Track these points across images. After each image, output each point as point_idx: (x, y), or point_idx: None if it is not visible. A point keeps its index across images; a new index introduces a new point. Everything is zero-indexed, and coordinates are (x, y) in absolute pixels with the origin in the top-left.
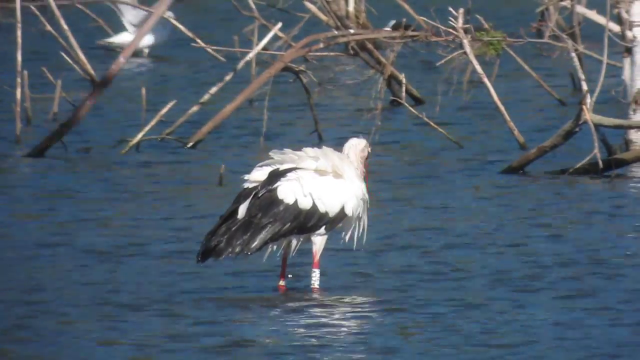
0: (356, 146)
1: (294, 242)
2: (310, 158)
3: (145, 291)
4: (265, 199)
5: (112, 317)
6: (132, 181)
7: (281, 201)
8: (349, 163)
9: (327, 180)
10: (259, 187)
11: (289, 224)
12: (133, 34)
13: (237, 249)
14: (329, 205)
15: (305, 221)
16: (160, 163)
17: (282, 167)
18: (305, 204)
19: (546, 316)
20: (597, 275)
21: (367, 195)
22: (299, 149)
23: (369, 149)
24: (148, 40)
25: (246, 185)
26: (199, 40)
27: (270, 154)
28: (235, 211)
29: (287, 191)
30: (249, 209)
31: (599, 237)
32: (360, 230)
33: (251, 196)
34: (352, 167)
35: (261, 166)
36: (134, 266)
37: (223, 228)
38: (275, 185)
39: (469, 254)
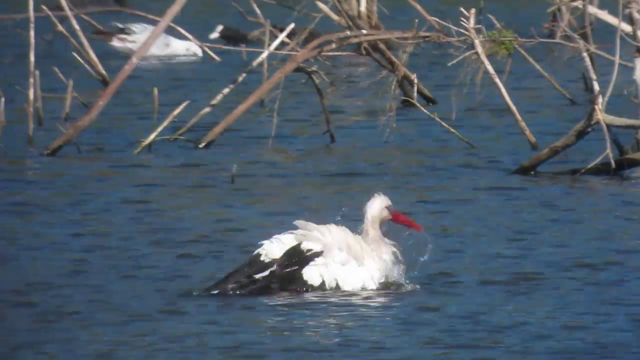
0: (372, 210)
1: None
2: (335, 247)
3: (148, 290)
4: (288, 276)
5: (116, 316)
6: (144, 181)
7: (305, 282)
8: (366, 246)
9: (351, 267)
10: (277, 265)
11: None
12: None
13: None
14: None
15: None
16: (173, 163)
17: (304, 246)
18: (331, 285)
19: (556, 316)
20: (609, 275)
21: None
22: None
23: (388, 205)
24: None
25: (262, 256)
26: (199, 42)
27: (295, 223)
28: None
29: (314, 275)
30: (265, 278)
31: (611, 237)
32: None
33: (267, 271)
34: (369, 250)
35: (279, 238)
36: (142, 265)
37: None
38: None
39: (480, 253)
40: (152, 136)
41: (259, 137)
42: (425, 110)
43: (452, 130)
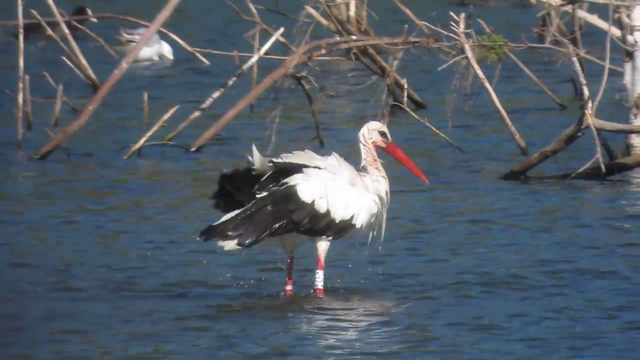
0: (362, 136)
1: (296, 240)
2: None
3: (146, 296)
4: (283, 193)
5: (113, 323)
6: (134, 186)
7: (299, 199)
8: (358, 175)
9: (342, 185)
10: (270, 176)
11: (300, 222)
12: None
13: (242, 238)
14: (340, 213)
15: (317, 223)
16: (162, 168)
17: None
18: (321, 206)
19: (549, 323)
20: (600, 279)
21: (381, 190)
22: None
23: (380, 129)
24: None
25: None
26: (187, 46)
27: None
28: (241, 195)
29: (308, 190)
30: (262, 199)
31: (601, 242)
32: (377, 229)
33: (265, 187)
34: (361, 178)
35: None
36: (136, 269)
37: (233, 215)
38: (295, 183)
39: (470, 258)
40: (141, 141)
41: (249, 142)
42: (415, 115)
43: (442, 134)
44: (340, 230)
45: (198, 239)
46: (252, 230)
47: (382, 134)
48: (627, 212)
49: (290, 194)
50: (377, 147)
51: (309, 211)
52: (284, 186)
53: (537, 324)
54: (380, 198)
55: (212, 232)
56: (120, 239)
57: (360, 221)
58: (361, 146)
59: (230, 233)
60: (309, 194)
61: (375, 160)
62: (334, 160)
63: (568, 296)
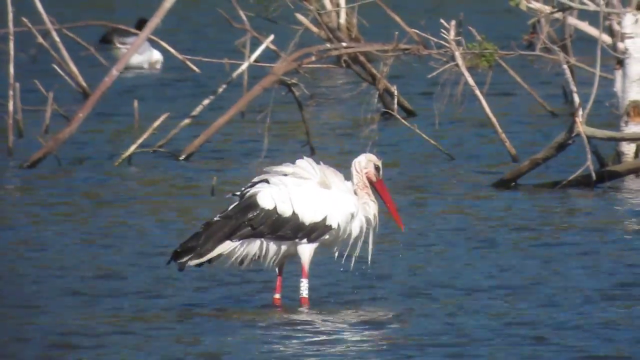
0: (357, 163)
1: (274, 247)
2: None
3: (132, 303)
4: (244, 202)
5: (95, 329)
6: (124, 194)
7: (259, 206)
8: (341, 177)
9: (309, 187)
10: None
11: (263, 226)
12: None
13: (202, 247)
14: (308, 214)
15: (280, 227)
16: (153, 175)
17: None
18: (283, 210)
19: (537, 333)
20: (592, 288)
21: (369, 212)
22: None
23: (377, 163)
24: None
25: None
26: (178, 54)
27: (265, 169)
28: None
29: (267, 197)
30: (226, 211)
31: (593, 250)
32: (358, 249)
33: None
34: (342, 181)
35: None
36: (123, 278)
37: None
38: (255, 192)
39: (460, 267)
40: (132, 148)
41: (240, 150)
42: (405, 122)
43: (432, 142)
44: (312, 232)
45: (168, 264)
46: (213, 236)
47: (377, 168)
48: (617, 220)
49: (250, 203)
50: (368, 179)
51: (269, 216)
52: (245, 197)
53: (533, 338)
54: (368, 220)
55: (177, 254)
56: (109, 246)
57: (335, 222)
58: (353, 172)
59: (193, 247)
60: (269, 200)
61: (366, 186)
62: (303, 164)
63: (556, 305)
